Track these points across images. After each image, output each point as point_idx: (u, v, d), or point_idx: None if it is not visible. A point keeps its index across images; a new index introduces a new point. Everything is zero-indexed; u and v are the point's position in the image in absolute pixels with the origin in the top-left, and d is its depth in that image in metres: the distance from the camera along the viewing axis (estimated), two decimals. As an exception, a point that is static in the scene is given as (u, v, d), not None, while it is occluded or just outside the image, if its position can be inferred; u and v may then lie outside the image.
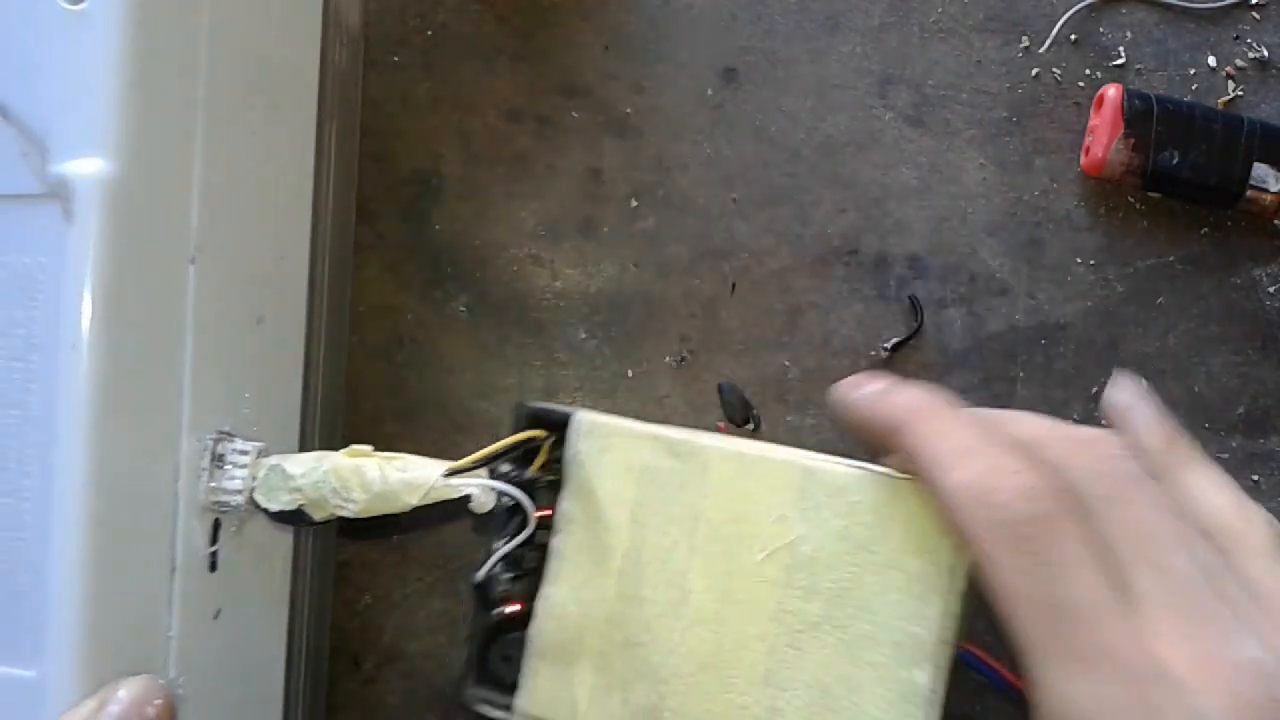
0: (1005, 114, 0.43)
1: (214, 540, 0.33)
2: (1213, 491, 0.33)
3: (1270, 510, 0.43)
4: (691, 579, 0.35)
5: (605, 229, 0.43)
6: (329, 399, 0.40)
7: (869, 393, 0.33)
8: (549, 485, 0.36)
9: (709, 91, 0.43)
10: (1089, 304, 0.43)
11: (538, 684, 0.35)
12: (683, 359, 0.43)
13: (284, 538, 0.38)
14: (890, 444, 0.32)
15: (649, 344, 0.43)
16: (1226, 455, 0.43)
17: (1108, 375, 0.43)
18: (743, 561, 0.34)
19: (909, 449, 0.31)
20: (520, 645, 0.36)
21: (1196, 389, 0.43)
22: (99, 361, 0.29)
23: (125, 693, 0.29)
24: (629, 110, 0.43)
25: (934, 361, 0.43)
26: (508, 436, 0.35)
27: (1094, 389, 0.43)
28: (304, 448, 0.38)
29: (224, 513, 0.34)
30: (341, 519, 0.34)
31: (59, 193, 0.29)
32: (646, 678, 0.35)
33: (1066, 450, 0.30)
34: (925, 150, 0.43)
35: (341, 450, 0.34)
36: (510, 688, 0.36)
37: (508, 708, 0.36)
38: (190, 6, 0.32)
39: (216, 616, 0.34)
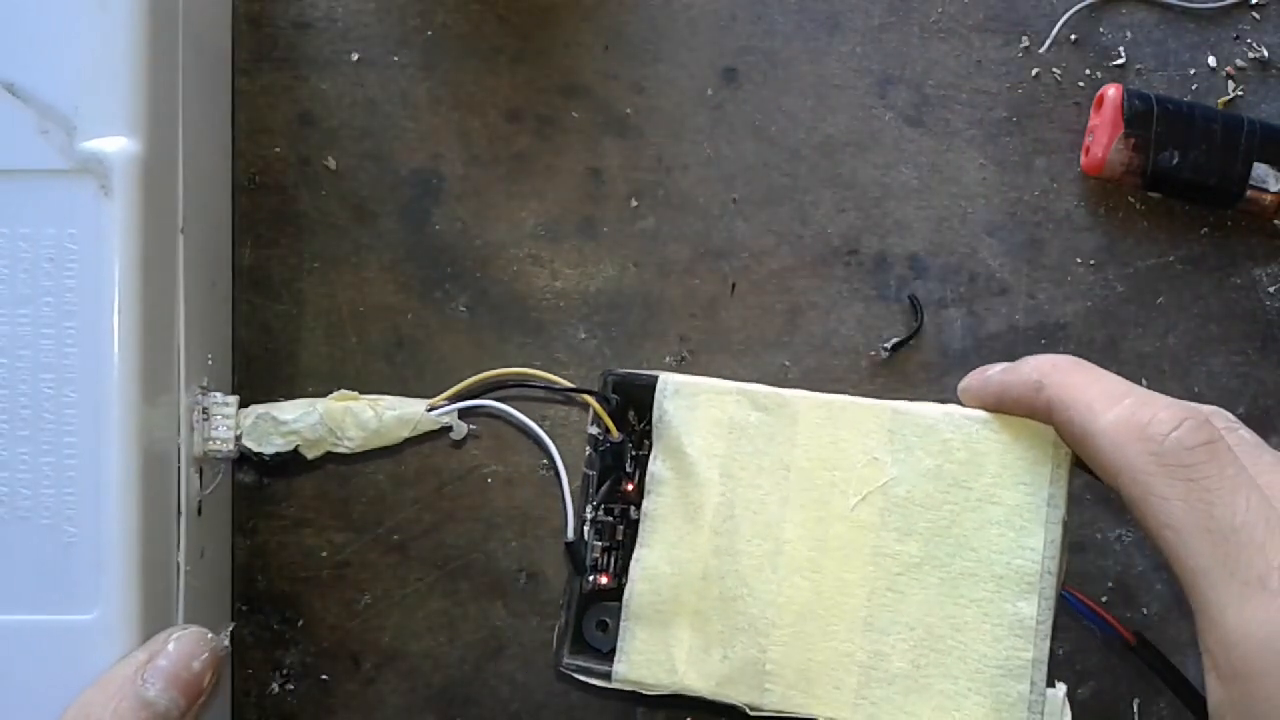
0: (1005, 114, 0.43)
1: (201, 487, 0.37)
2: None
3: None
4: (785, 529, 0.34)
5: (605, 229, 0.43)
6: (239, 354, 0.44)
7: (1003, 366, 0.34)
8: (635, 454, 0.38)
9: (709, 91, 0.43)
10: (1089, 304, 0.43)
11: (634, 648, 0.35)
12: (683, 359, 0.43)
13: (227, 485, 0.41)
14: (1030, 405, 0.33)
15: (649, 344, 0.43)
16: (1226, 455, 0.43)
17: (1108, 375, 0.43)
18: (836, 508, 0.34)
19: (1055, 400, 0.32)
20: (613, 613, 0.36)
21: (1196, 389, 0.43)
22: (139, 325, 0.32)
23: (174, 646, 0.31)
24: (629, 110, 0.43)
25: (934, 361, 0.43)
26: (597, 407, 0.38)
27: (1094, 389, 0.43)
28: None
29: (211, 461, 0.38)
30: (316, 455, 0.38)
31: (92, 169, 0.32)
32: (746, 631, 0.34)
33: (1206, 409, 0.32)
34: (925, 150, 0.43)
35: (330, 395, 0.39)
36: (605, 655, 0.36)
37: (606, 675, 0.35)
38: None
39: (203, 555, 0.37)
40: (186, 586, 0.35)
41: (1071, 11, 0.43)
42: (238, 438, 0.37)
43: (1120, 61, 0.43)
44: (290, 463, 0.39)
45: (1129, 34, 0.43)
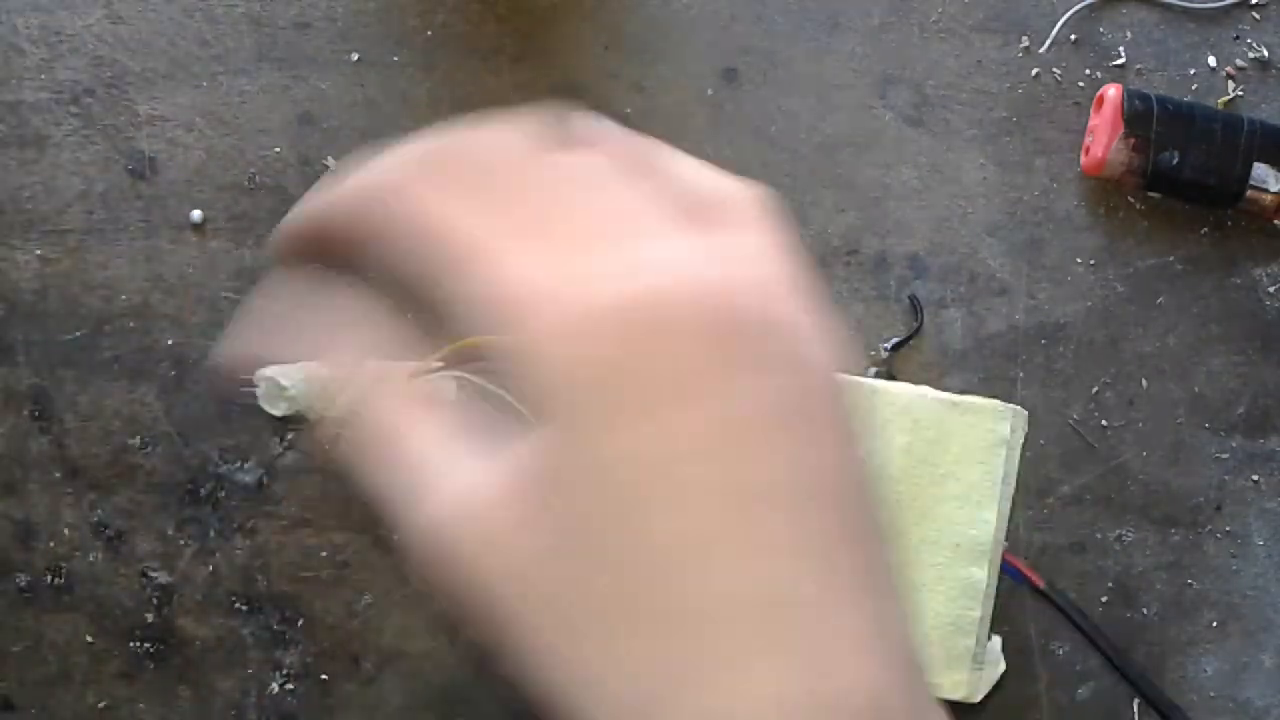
0: (1005, 114, 0.43)
1: None
2: (698, 169, 0.27)
3: (1269, 510, 0.44)
4: None
5: (605, 229, 0.43)
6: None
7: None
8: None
9: (709, 91, 0.43)
10: (1089, 304, 0.43)
11: None
12: (683, 359, 0.43)
13: None
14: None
15: (649, 344, 0.43)
16: (1226, 455, 0.43)
17: (1108, 375, 0.43)
18: None
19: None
20: None
21: (1196, 389, 0.43)
22: None
23: None
24: (629, 110, 0.43)
25: (934, 361, 0.43)
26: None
27: (1094, 389, 0.43)
28: None
29: None
30: None
31: None
32: None
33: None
34: (925, 150, 0.43)
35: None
36: None
37: None
38: None
39: None
40: None
41: (1071, 11, 0.43)
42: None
43: (1120, 61, 0.43)
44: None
45: (1129, 34, 0.43)
